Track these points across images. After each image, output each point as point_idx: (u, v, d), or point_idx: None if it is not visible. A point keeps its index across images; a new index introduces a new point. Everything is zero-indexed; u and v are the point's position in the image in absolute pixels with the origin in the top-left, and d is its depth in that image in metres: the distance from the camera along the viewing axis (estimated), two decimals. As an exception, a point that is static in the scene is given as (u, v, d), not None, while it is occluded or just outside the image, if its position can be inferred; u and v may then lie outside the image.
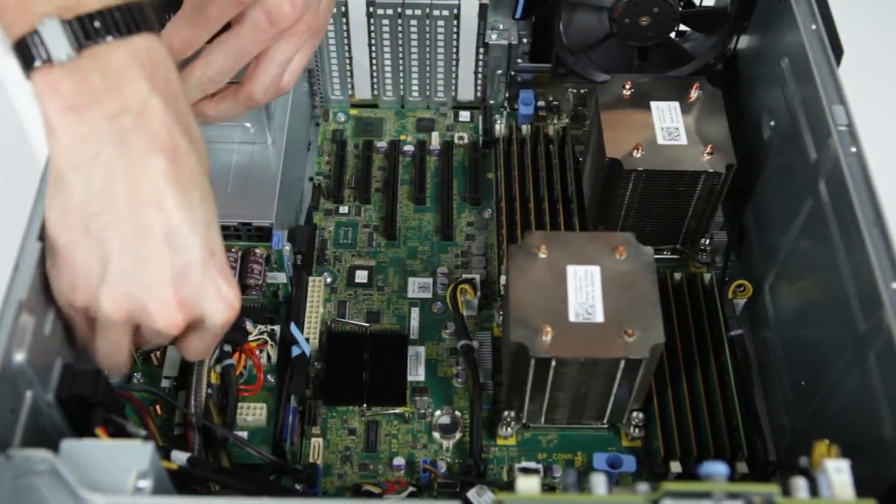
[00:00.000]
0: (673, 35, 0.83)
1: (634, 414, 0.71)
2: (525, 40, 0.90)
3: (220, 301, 0.55)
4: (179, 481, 0.58)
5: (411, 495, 0.69)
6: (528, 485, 0.46)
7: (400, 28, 0.87)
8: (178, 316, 0.54)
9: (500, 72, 0.91)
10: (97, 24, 0.49)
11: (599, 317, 0.64)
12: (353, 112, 0.95)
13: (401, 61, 0.91)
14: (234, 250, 0.72)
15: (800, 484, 0.47)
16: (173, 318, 0.54)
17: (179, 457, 0.61)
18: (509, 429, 0.72)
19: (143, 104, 0.51)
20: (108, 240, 0.51)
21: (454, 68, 0.91)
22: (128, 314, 0.54)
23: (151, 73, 0.51)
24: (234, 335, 0.71)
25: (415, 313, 0.80)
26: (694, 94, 0.76)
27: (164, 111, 0.51)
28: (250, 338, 0.72)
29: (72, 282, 0.54)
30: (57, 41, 0.49)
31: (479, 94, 0.94)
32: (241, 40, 0.62)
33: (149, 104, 0.51)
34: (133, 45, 0.51)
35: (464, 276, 0.80)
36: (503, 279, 0.77)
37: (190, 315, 0.55)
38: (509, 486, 0.69)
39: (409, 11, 0.86)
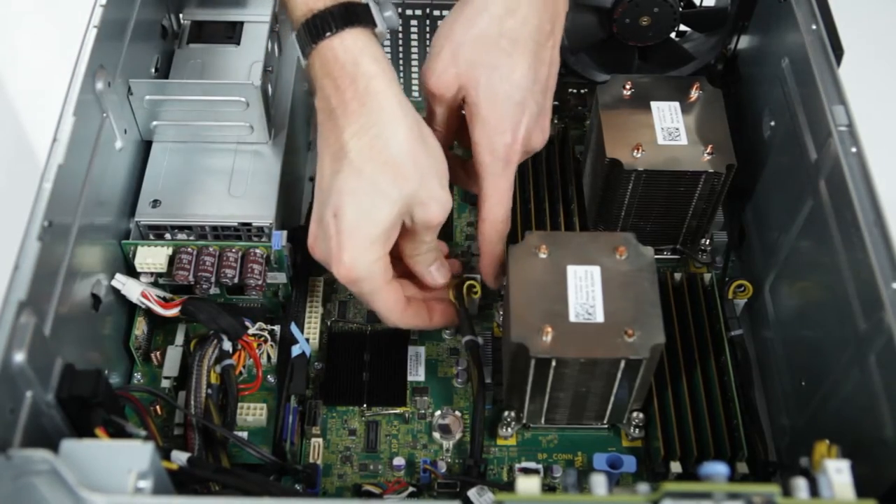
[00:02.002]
0: (673, 35, 0.83)
1: (634, 414, 0.71)
2: (525, 40, 0.90)
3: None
4: (179, 481, 0.58)
5: (411, 495, 0.69)
6: (528, 485, 0.46)
7: (400, 28, 0.87)
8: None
9: (500, 72, 0.91)
10: None
11: (599, 317, 0.64)
12: (354, 112, 0.95)
13: (401, 61, 0.91)
14: (234, 250, 0.72)
15: (800, 484, 0.47)
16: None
17: (179, 457, 0.61)
18: (509, 429, 0.72)
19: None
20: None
21: (454, 68, 0.91)
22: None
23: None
24: (233, 326, 0.71)
25: (415, 313, 0.80)
26: (694, 94, 0.76)
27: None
28: (250, 332, 0.73)
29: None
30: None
31: (479, 94, 0.94)
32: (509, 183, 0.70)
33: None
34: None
35: (465, 275, 0.80)
36: (503, 279, 0.77)
37: None
38: (509, 486, 0.69)
39: (409, 11, 0.86)
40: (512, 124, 0.67)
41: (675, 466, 0.68)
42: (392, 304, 0.68)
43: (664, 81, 0.78)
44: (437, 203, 0.64)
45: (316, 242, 0.66)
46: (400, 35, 0.88)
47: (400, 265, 0.70)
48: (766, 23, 0.79)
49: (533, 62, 0.66)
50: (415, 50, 0.89)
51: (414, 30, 0.87)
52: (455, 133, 0.73)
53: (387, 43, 0.89)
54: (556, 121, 0.93)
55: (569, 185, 0.84)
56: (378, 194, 0.62)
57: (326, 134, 0.64)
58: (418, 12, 0.86)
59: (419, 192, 0.63)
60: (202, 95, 0.74)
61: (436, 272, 0.71)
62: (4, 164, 1.17)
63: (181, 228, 0.73)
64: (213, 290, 0.74)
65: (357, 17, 0.62)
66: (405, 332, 0.78)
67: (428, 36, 0.88)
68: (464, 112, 0.69)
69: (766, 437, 0.72)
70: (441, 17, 0.86)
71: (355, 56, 0.61)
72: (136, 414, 0.67)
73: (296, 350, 0.72)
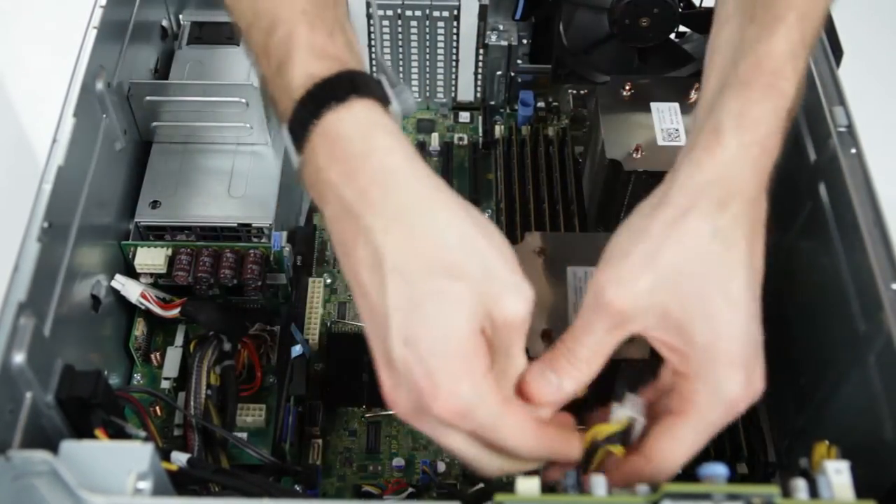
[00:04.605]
0: (673, 36, 0.83)
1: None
2: (525, 41, 0.90)
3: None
4: (179, 482, 0.58)
5: (411, 496, 0.69)
6: (528, 486, 0.46)
7: (400, 28, 0.87)
8: None
9: (499, 73, 0.91)
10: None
11: (599, 318, 0.64)
12: (353, 113, 0.95)
13: (401, 62, 0.91)
14: (233, 251, 0.72)
15: (800, 485, 0.47)
16: None
17: (179, 458, 0.61)
18: (509, 430, 0.71)
19: None
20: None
21: (454, 69, 0.91)
22: None
23: None
24: (233, 327, 0.71)
25: (415, 314, 0.80)
26: (694, 95, 0.76)
27: None
28: (249, 333, 0.72)
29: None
30: None
31: (479, 94, 0.94)
32: (696, 434, 0.50)
33: None
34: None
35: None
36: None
37: None
38: (509, 486, 0.69)
39: (409, 12, 0.86)
40: (743, 357, 0.48)
41: (675, 467, 0.68)
42: (524, 426, 0.48)
43: (664, 82, 0.78)
44: (516, 293, 0.48)
45: (397, 391, 0.49)
46: (399, 37, 0.88)
47: None
48: None
49: (749, 273, 0.50)
50: (414, 52, 0.89)
51: (414, 31, 0.87)
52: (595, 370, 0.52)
53: (386, 52, 0.89)
54: (556, 121, 0.93)
55: (569, 185, 0.84)
56: (444, 301, 0.47)
57: (350, 244, 0.48)
58: (418, 13, 0.86)
59: (488, 285, 0.47)
60: (202, 96, 0.74)
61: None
62: (4, 165, 1.17)
63: (181, 229, 0.73)
64: (213, 291, 0.74)
65: (368, 87, 0.50)
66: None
67: (427, 38, 0.88)
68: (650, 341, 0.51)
69: (765, 437, 0.72)
70: (441, 18, 0.86)
71: (365, 129, 0.49)
72: (135, 415, 0.67)
73: (296, 351, 0.72)
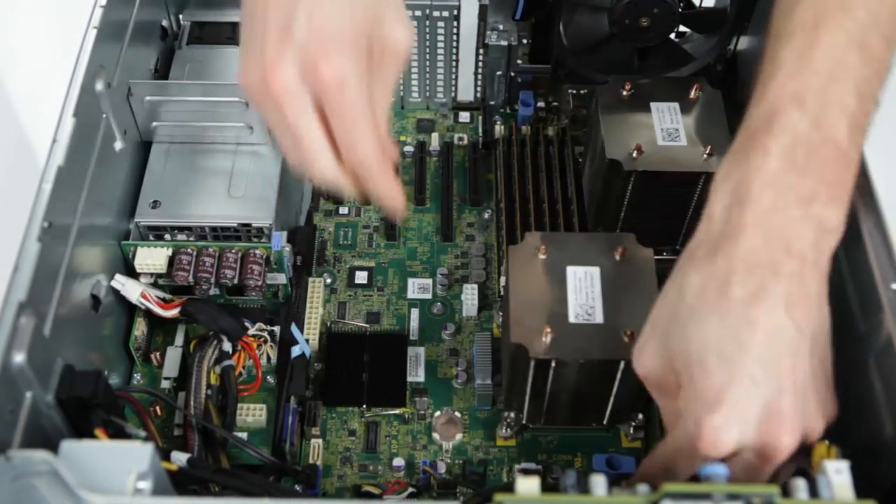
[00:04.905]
0: (673, 36, 0.83)
1: (634, 415, 0.71)
2: (525, 41, 0.90)
3: None
4: (179, 482, 0.58)
5: (411, 496, 0.69)
6: (527, 486, 0.46)
7: (400, 29, 0.87)
8: None
9: (499, 73, 0.91)
10: None
11: (599, 318, 0.64)
12: (353, 113, 0.95)
13: (401, 63, 0.91)
14: (233, 251, 0.72)
15: (800, 485, 0.47)
16: None
17: (179, 458, 0.61)
18: (509, 430, 0.72)
19: None
20: None
21: (454, 69, 0.91)
22: None
23: None
24: (233, 327, 0.71)
25: (414, 314, 0.80)
26: (694, 95, 0.76)
27: None
28: (249, 332, 0.72)
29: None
30: None
31: (478, 94, 0.94)
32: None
33: None
34: None
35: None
36: (503, 280, 0.77)
37: None
38: (509, 487, 0.69)
39: (409, 12, 0.86)
40: (715, 402, 0.50)
41: (675, 467, 0.68)
42: (374, 134, 0.56)
43: (664, 82, 0.78)
44: (405, 25, 0.57)
45: (282, 60, 0.53)
46: (400, 36, 0.88)
47: None
48: (765, 23, 0.79)
49: (738, 328, 0.50)
50: (414, 52, 0.89)
51: (414, 31, 0.87)
52: None
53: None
54: (556, 121, 0.93)
55: (569, 185, 0.84)
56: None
57: None
58: (418, 13, 0.86)
59: (384, 6, 0.56)
60: (202, 96, 0.74)
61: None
62: (4, 165, 1.17)
63: (181, 229, 0.73)
64: (213, 291, 0.74)
65: None
66: (405, 333, 0.78)
67: (427, 37, 0.88)
68: None
69: (765, 437, 0.72)
70: (441, 18, 0.86)
71: None
72: (135, 414, 0.67)
73: (296, 351, 0.72)
